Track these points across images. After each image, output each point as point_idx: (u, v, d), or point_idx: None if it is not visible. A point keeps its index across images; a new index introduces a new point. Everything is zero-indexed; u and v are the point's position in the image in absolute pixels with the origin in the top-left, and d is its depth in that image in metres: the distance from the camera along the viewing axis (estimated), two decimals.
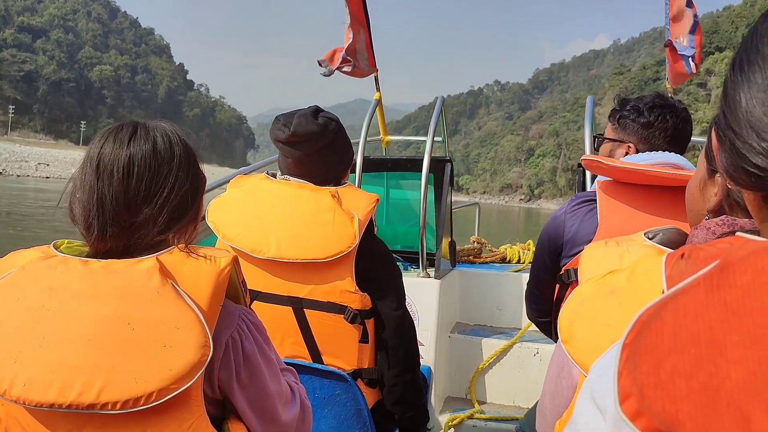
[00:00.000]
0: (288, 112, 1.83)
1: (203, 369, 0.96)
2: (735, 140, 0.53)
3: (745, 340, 0.42)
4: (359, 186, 3.00)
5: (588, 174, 2.71)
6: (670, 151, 1.69)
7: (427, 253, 2.89)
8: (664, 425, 0.42)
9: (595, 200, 1.66)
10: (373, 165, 3.32)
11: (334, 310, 1.71)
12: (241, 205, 1.81)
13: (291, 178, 1.82)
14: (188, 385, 0.94)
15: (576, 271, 1.36)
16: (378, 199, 1.83)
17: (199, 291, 1.00)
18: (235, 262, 1.07)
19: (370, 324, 1.76)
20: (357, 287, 1.72)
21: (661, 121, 1.75)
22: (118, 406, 0.91)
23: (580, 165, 2.89)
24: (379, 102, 3.43)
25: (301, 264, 1.69)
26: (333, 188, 1.79)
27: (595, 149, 1.96)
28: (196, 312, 0.98)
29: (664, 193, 1.58)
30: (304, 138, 1.75)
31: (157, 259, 1.01)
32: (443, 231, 3.01)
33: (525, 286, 2.48)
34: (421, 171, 2.88)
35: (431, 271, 2.90)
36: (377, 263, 1.78)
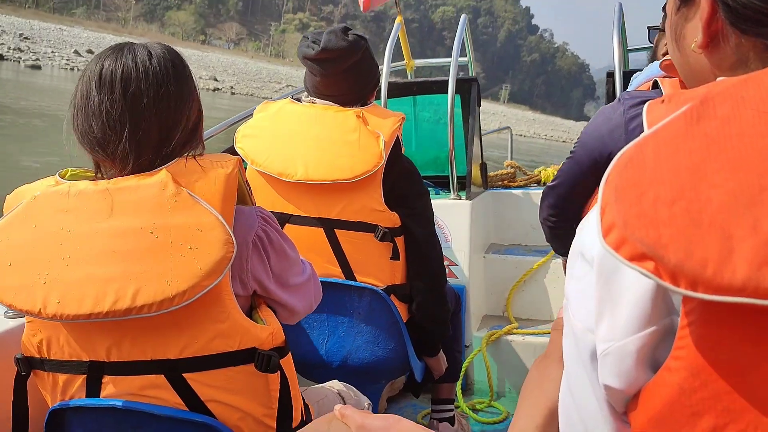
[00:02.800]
0: (316, 30, 1.82)
1: (230, 263, 1.00)
2: None
3: (725, 165, 0.43)
4: None
5: (618, 85, 2.63)
6: None
7: (457, 177, 2.88)
8: (648, 248, 0.43)
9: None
10: (398, 89, 3.28)
11: (365, 229, 1.74)
12: (268, 130, 1.83)
13: (317, 100, 1.83)
14: (218, 280, 0.98)
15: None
16: (404, 118, 1.83)
17: (213, 194, 1.04)
18: (239, 164, 1.11)
19: (400, 242, 1.79)
20: (386, 206, 1.74)
21: None
22: (154, 308, 0.96)
23: (610, 74, 2.80)
24: (401, 26, 3.36)
25: (329, 185, 1.72)
26: (358, 109, 1.78)
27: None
28: (214, 213, 1.01)
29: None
30: (334, 54, 1.73)
31: (166, 170, 1.04)
32: (472, 152, 2.99)
33: None
34: (447, 92, 2.84)
35: (462, 193, 2.90)
36: (404, 182, 1.80)
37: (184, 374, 1.04)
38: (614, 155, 1.44)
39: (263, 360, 1.07)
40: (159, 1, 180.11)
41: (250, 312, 1.16)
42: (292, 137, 1.78)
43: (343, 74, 1.77)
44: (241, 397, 1.08)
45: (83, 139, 1.08)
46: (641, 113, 1.69)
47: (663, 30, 1.60)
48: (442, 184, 3.23)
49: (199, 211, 1.01)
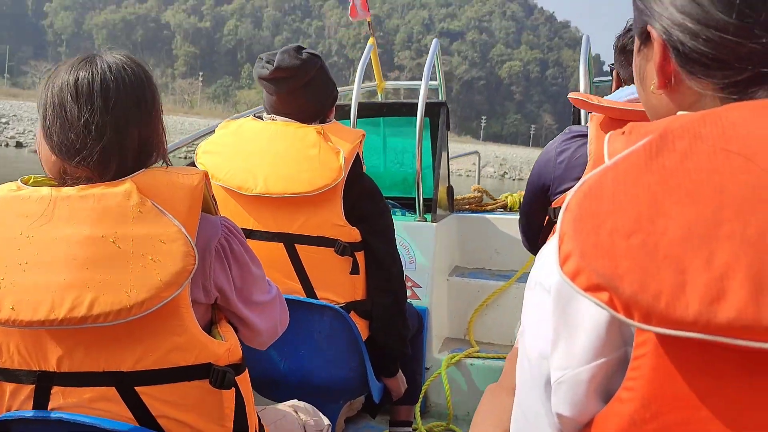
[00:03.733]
0: (271, 52, 1.85)
1: (190, 276, 0.99)
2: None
3: (682, 199, 0.44)
4: None
5: (583, 111, 2.70)
6: None
7: (424, 199, 2.90)
8: (603, 279, 0.44)
9: (587, 135, 1.61)
10: (369, 110, 3.30)
11: (325, 244, 1.75)
12: (228, 146, 1.84)
13: (277, 117, 1.85)
14: (177, 292, 0.97)
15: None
16: (364, 135, 1.86)
17: (177, 206, 1.03)
18: (205, 176, 1.11)
19: (360, 256, 1.80)
20: (346, 221, 1.75)
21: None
22: (110, 317, 0.94)
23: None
24: (373, 47, 3.39)
25: (289, 199, 1.73)
26: (319, 125, 1.81)
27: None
28: (177, 225, 1.00)
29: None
30: (287, 73, 1.77)
31: (131, 180, 1.03)
32: (439, 175, 3.02)
33: None
34: (416, 115, 2.87)
35: (428, 216, 2.92)
36: (365, 200, 1.82)
37: (136, 387, 1.02)
38: (548, 185, 1.50)
39: (218, 376, 1.05)
40: (231, 82, 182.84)
41: (210, 326, 1.15)
42: (253, 152, 1.79)
43: (298, 92, 1.80)
44: (193, 414, 1.06)
45: (59, 149, 1.06)
46: (570, 147, 1.78)
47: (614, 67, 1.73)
48: (408, 205, 3.25)
49: (163, 222, 1.00)
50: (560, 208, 1.49)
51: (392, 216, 3.06)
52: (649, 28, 0.61)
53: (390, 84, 3.77)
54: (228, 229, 1.17)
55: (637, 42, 0.67)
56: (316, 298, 1.81)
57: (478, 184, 5.22)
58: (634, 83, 1.65)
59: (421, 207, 2.88)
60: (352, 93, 3.13)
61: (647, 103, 0.69)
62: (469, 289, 3.10)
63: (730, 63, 0.53)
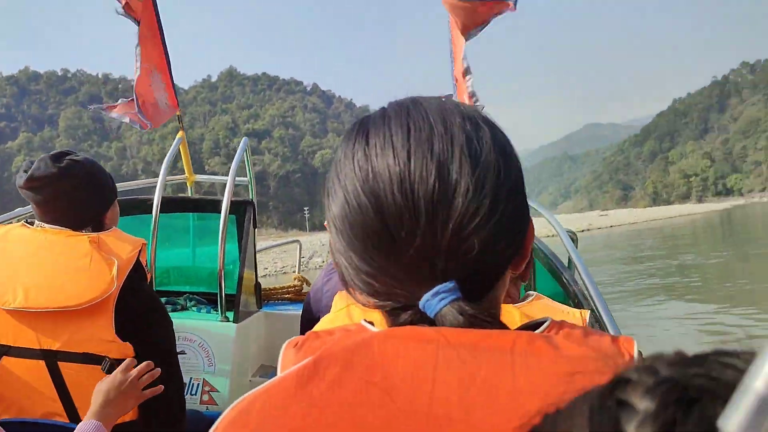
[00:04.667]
0: (33, 159, 1.77)
1: None
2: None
3: (322, 431, 0.45)
4: (156, 226, 2.90)
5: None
6: None
7: (227, 296, 2.84)
8: None
9: None
10: (174, 205, 3.22)
11: (91, 361, 1.63)
12: None
13: (46, 225, 1.74)
14: None
15: None
16: (144, 243, 1.79)
17: None
18: None
19: None
20: (116, 336, 1.65)
21: None
22: None
23: None
24: (182, 140, 3.35)
25: (53, 313, 1.60)
26: (94, 234, 1.72)
27: None
28: None
29: None
30: (40, 182, 1.68)
31: None
32: (243, 273, 2.98)
33: None
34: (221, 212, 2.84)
35: (230, 314, 2.85)
36: (142, 311, 1.73)
37: None
38: (318, 317, 1.53)
39: None
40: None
41: None
42: (15, 262, 1.66)
43: (56, 201, 1.72)
44: None
45: None
46: (335, 276, 1.88)
47: None
48: (215, 301, 3.16)
49: None
50: None
51: (195, 315, 2.96)
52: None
53: (200, 178, 3.73)
54: None
55: None
56: (79, 420, 1.66)
57: (299, 273, 5.25)
58: None
59: (224, 305, 2.81)
60: (156, 186, 3.04)
61: None
62: None
63: (377, 296, 0.57)
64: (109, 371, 1.64)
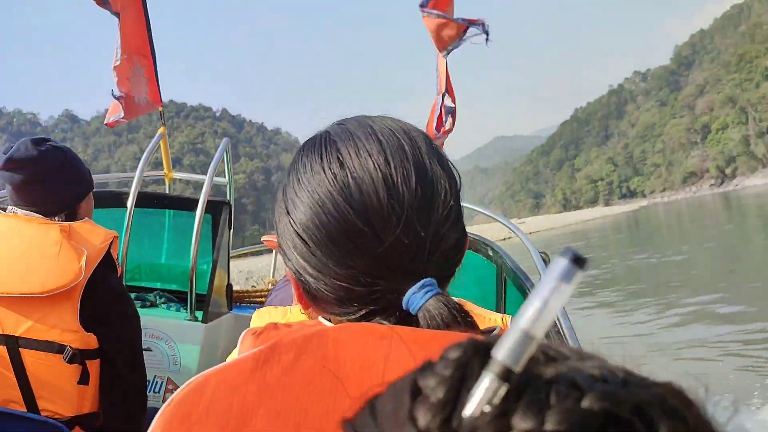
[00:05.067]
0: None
1: None
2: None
3: (271, 412, 0.46)
4: (130, 220, 2.87)
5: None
6: None
7: (198, 295, 2.81)
8: None
9: None
10: (150, 201, 3.19)
11: (52, 350, 1.62)
12: None
13: (18, 210, 1.73)
14: None
15: None
16: (116, 236, 1.78)
17: None
18: None
19: (93, 365, 1.68)
20: (80, 326, 1.64)
21: None
22: None
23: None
24: (163, 136, 3.33)
25: (17, 299, 1.59)
26: (66, 223, 1.71)
27: None
28: None
29: None
30: (19, 164, 1.68)
31: None
32: (215, 273, 2.96)
33: None
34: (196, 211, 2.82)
35: (199, 314, 2.82)
36: (109, 303, 1.72)
37: None
38: None
39: None
40: None
41: None
42: None
43: (33, 185, 1.71)
44: None
45: None
46: (283, 287, 1.87)
47: None
48: (185, 300, 3.13)
49: None
50: None
51: (164, 313, 2.92)
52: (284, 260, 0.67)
53: (179, 175, 3.70)
54: None
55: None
56: (37, 409, 1.64)
57: (272, 278, 5.21)
58: None
59: (193, 305, 2.79)
60: (133, 180, 3.02)
61: None
62: None
63: (350, 302, 0.60)
64: (70, 361, 1.62)
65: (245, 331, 0.59)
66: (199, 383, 0.50)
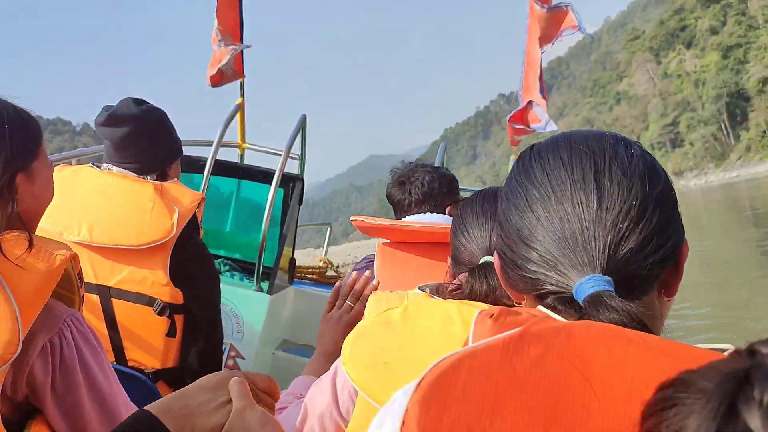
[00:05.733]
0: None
1: (4, 366, 0.87)
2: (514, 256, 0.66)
3: (522, 405, 0.46)
4: (206, 187, 2.93)
5: None
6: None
7: (264, 267, 2.86)
8: None
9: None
10: (224, 170, 3.24)
11: (143, 302, 1.68)
12: (56, 192, 1.73)
13: (113, 167, 1.79)
14: None
15: None
16: (203, 198, 1.84)
17: (23, 284, 0.91)
18: (73, 259, 0.99)
19: (179, 319, 1.74)
20: (169, 280, 1.69)
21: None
22: None
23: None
24: (240, 107, 3.38)
25: (113, 250, 1.65)
26: (157, 182, 1.77)
27: None
28: (13, 306, 0.89)
29: (427, 251, 1.68)
30: (121, 119, 1.73)
31: None
32: (284, 247, 3.00)
33: None
34: (270, 184, 2.86)
35: (265, 285, 2.87)
36: (194, 262, 1.78)
37: None
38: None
39: None
40: None
41: (25, 420, 0.99)
42: (82, 199, 1.72)
43: (132, 141, 1.76)
44: None
45: None
46: (366, 269, 1.89)
47: None
48: (248, 270, 3.18)
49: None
50: None
51: (228, 280, 2.98)
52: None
53: (252, 147, 3.75)
54: (72, 329, 1.02)
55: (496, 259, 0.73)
56: (124, 359, 1.70)
57: (325, 256, 5.26)
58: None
59: (260, 276, 2.83)
60: (211, 147, 3.07)
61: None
62: (295, 366, 3.03)
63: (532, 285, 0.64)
64: (160, 313, 1.67)
65: (479, 311, 0.60)
66: (452, 364, 0.50)
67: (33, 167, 1.07)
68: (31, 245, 0.95)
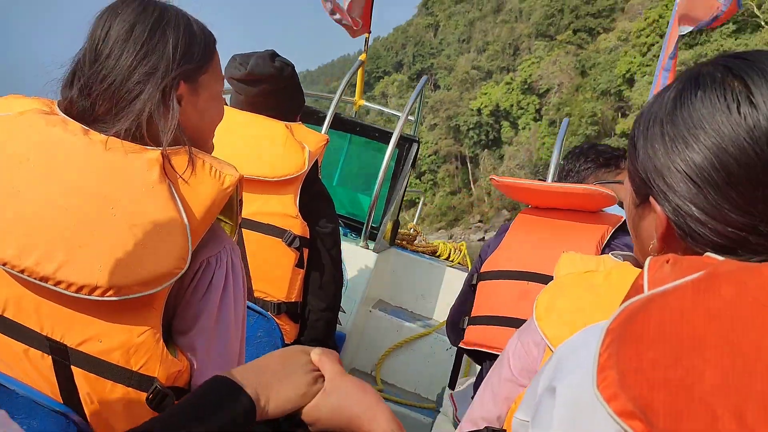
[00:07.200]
0: (245, 53, 1.83)
1: (173, 281, 0.88)
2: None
3: (723, 345, 0.44)
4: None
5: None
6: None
7: (371, 226, 2.87)
8: (639, 409, 0.43)
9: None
10: (341, 124, 3.25)
11: (273, 233, 1.71)
12: None
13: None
14: (153, 291, 0.87)
15: (477, 274, 1.70)
16: (328, 140, 1.86)
17: (195, 201, 0.92)
18: (239, 182, 0.99)
19: (305, 253, 1.76)
20: (299, 213, 1.73)
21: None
22: (73, 288, 0.83)
23: None
24: (362, 63, 3.36)
25: (248, 181, 1.68)
26: (289, 123, 1.82)
27: None
28: (185, 221, 0.90)
29: (561, 215, 1.67)
30: (259, 78, 1.77)
31: (162, 153, 0.92)
32: (392, 209, 3.00)
33: (452, 282, 2.43)
34: (386, 143, 2.85)
35: (371, 243, 2.88)
36: (321, 199, 1.81)
37: (73, 367, 0.89)
38: (482, 259, 1.52)
39: (158, 396, 0.92)
40: None
41: (167, 338, 0.99)
42: (223, 133, 1.74)
43: (267, 96, 1.80)
44: (121, 420, 0.92)
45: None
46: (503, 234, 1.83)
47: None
48: (350, 226, 3.20)
49: (171, 211, 0.90)
50: (476, 274, 1.54)
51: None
52: (651, 200, 0.63)
53: (368, 104, 3.75)
54: (229, 257, 1.01)
55: (633, 196, 0.69)
56: (251, 289, 1.74)
57: (415, 223, 5.25)
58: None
59: (367, 234, 2.84)
60: (331, 101, 3.09)
61: (639, 252, 0.72)
62: (388, 326, 3.06)
63: (735, 250, 0.58)
64: (290, 244, 1.70)
65: (650, 258, 0.56)
66: (643, 304, 0.49)
67: (200, 80, 1.03)
68: (193, 162, 0.94)
